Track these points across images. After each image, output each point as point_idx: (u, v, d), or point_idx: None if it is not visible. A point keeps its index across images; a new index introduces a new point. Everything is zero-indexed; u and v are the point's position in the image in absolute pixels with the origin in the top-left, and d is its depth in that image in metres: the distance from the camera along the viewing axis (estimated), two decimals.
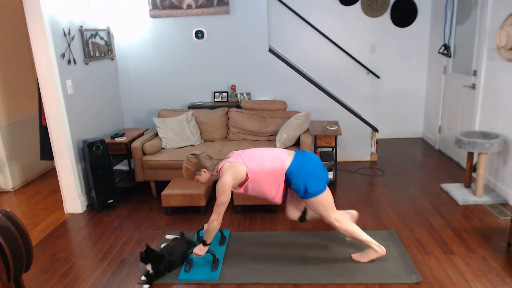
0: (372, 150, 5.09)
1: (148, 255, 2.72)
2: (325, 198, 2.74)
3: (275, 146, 4.24)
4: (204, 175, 2.81)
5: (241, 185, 2.77)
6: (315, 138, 4.18)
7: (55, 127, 3.74)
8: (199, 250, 2.80)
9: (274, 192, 2.79)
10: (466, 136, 3.88)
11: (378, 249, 2.80)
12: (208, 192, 3.86)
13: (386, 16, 5.53)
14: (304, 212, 3.08)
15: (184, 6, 4.73)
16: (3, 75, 4.58)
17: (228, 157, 2.86)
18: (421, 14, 5.54)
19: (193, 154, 2.83)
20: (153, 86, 5.05)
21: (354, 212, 3.07)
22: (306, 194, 2.70)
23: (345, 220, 2.81)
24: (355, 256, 2.89)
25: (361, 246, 2.98)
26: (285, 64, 4.90)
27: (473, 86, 4.29)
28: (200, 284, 2.71)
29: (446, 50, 5.04)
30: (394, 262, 2.84)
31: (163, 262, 2.78)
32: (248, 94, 4.99)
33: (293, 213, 3.04)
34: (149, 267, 2.73)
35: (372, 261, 2.85)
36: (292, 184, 2.74)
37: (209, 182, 2.89)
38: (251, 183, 2.75)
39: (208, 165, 2.80)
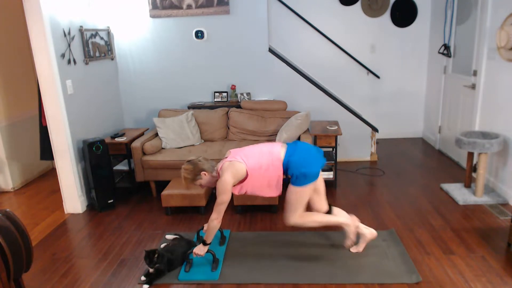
0: (372, 150, 5.09)
1: (151, 256, 2.72)
2: (306, 193, 2.74)
3: None
4: (205, 178, 2.81)
5: (240, 183, 2.77)
6: (315, 138, 4.18)
7: (55, 127, 3.74)
8: (199, 250, 2.81)
9: (274, 184, 2.80)
10: (466, 136, 3.88)
11: (367, 231, 2.93)
12: (208, 192, 3.87)
13: (386, 16, 5.53)
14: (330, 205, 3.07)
15: (184, 6, 4.73)
16: (3, 75, 4.58)
17: (226, 157, 2.86)
18: (421, 14, 5.54)
19: (188, 161, 2.83)
20: (153, 86, 5.05)
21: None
22: (304, 180, 2.68)
23: (307, 213, 2.82)
24: (353, 249, 2.98)
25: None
26: (285, 64, 4.90)
27: (473, 86, 4.29)
28: (200, 284, 2.71)
29: (446, 50, 5.04)
30: (394, 262, 2.84)
31: (163, 258, 2.78)
32: (248, 94, 4.99)
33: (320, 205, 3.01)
34: (152, 265, 2.73)
35: (365, 248, 2.98)
36: (288, 171, 2.74)
37: (212, 184, 2.89)
38: (251, 180, 2.76)
39: (206, 167, 2.80)
